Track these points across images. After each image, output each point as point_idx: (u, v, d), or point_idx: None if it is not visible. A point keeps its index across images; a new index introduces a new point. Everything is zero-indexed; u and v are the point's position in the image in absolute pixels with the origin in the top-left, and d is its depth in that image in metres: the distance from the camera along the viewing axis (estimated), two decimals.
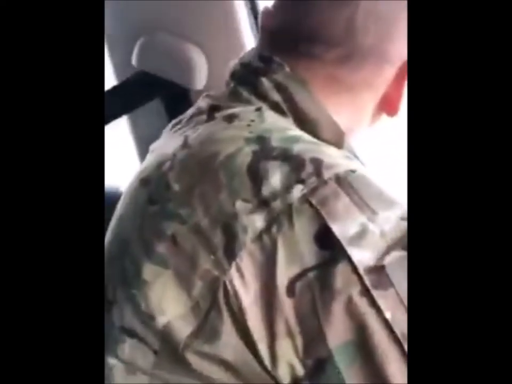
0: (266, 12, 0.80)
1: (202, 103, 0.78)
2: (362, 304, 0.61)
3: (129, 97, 1.33)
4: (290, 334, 0.62)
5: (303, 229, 0.63)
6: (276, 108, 0.74)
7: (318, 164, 0.66)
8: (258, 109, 0.73)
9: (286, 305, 0.62)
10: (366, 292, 0.61)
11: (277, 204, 0.64)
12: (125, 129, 1.41)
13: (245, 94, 0.75)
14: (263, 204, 0.64)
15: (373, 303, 0.61)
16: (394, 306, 0.61)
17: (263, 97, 0.74)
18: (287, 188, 0.64)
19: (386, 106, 0.79)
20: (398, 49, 0.76)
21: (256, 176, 0.66)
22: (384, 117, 0.81)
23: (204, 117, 0.76)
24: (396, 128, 0.83)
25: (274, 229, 0.63)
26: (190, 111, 0.79)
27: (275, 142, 0.68)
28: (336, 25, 0.74)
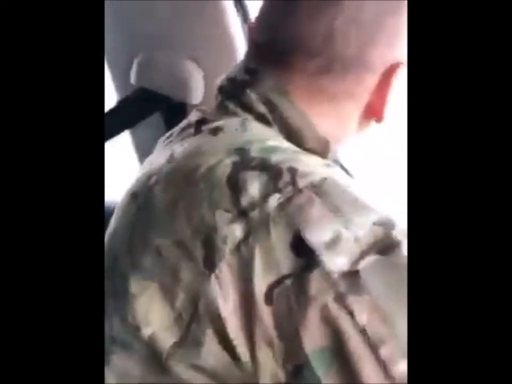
0: (251, 24, 0.82)
1: (192, 116, 0.80)
2: (337, 309, 0.61)
3: (130, 113, 1.37)
4: (270, 342, 0.63)
5: (279, 238, 0.64)
6: (261, 119, 0.75)
7: (294, 173, 0.67)
8: (244, 121, 0.75)
9: (265, 313, 0.63)
10: (340, 298, 0.61)
11: (255, 214, 0.65)
12: (126, 144, 1.44)
13: (232, 106, 0.77)
14: (242, 213, 0.65)
15: (348, 309, 0.61)
16: (369, 311, 0.61)
17: (248, 109, 0.76)
18: (265, 198, 0.65)
19: (371, 113, 0.80)
20: (380, 57, 0.77)
21: (235, 186, 0.67)
22: (373, 124, 0.82)
23: (191, 130, 0.78)
24: (394, 130, 0.83)
25: (251, 239, 0.64)
26: (181, 125, 0.81)
27: (254, 153, 0.69)
28: (315, 35, 0.75)
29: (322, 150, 0.76)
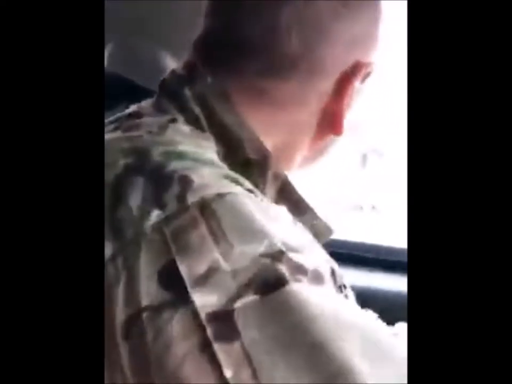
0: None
1: (130, 109, 0.72)
2: (200, 358, 0.52)
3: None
4: (124, 380, 0.54)
5: (148, 263, 0.55)
6: (194, 122, 0.67)
7: (185, 185, 0.58)
8: (168, 122, 0.66)
9: (122, 351, 0.54)
10: (205, 344, 0.52)
11: (129, 231, 0.56)
12: None
13: (165, 103, 0.69)
14: (115, 228, 0.57)
15: (213, 358, 0.52)
16: (237, 362, 0.51)
17: (182, 108, 0.68)
18: (144, 213, 0.57)
19: (328, 123, 0.72)
20: (332, 60, 0.70)
21: (117, 194, 0.59)
22: (330, 137, 0.75)
23: (115, 124, 0.69)
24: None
25: (120, 260, 0.55)
26: (113, 117, 0.72)
27: (154, 156, 0.61)
28: (257, 31, 0.68)
29: (262, 162, 0.68)
